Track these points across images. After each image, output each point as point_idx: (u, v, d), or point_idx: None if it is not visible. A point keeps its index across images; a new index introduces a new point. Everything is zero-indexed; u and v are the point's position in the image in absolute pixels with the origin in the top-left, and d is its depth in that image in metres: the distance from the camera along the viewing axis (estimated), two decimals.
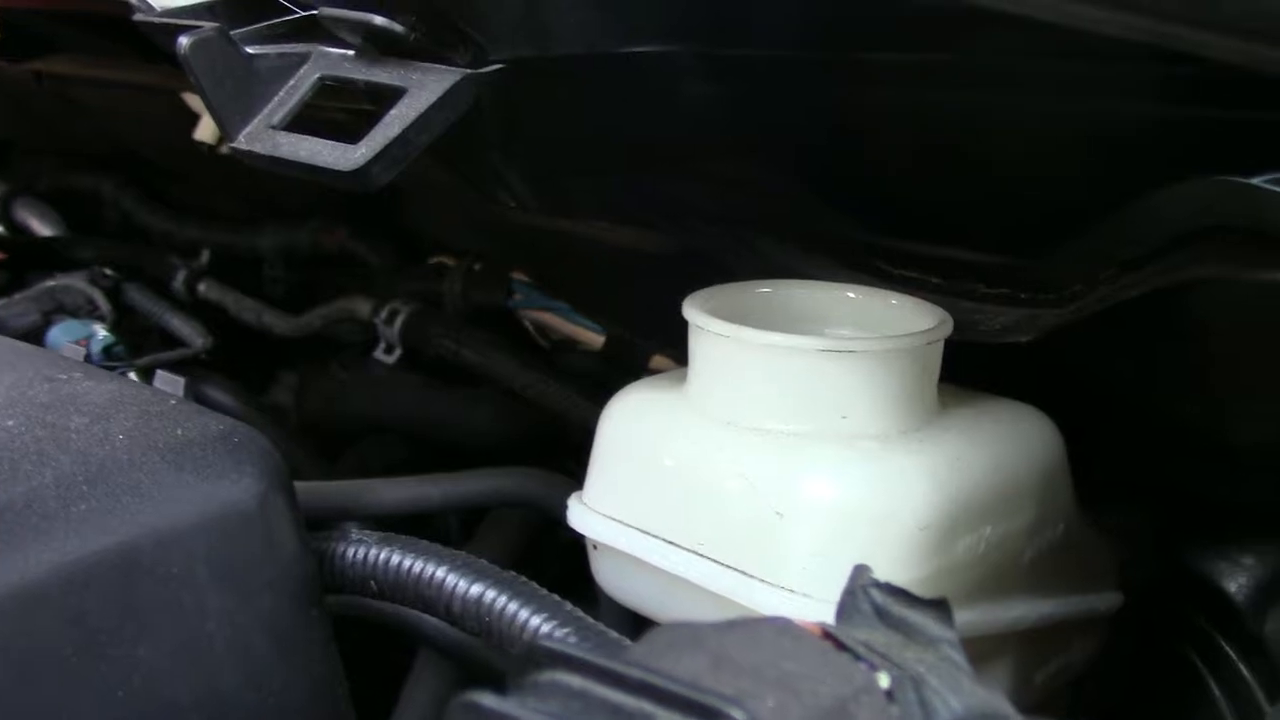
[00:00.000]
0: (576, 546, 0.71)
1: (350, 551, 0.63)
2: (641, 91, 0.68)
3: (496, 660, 0.72)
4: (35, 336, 1.09)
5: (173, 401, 0.63)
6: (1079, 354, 0.68)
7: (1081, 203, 0.62)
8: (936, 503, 0.59)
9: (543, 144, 0.70)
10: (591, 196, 0.78)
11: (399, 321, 1.16)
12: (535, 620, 0.57)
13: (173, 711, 0.55)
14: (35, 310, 1.11)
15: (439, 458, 1.06)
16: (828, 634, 0.38)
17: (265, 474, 0.59)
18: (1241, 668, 0.77)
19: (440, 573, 0.60)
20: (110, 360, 1.05)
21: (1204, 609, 0.78)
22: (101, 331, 1.07)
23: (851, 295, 0.70)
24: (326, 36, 0.65)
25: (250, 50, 0.64)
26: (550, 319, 1.14)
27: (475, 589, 0.59)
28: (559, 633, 0.56)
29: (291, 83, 0.64)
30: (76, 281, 1.16)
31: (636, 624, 0.70)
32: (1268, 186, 0.49)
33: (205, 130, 1.14)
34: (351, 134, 0.61)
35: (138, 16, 0.73)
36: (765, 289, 0.71)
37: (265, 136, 0.62)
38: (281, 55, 0.64)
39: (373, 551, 0.63)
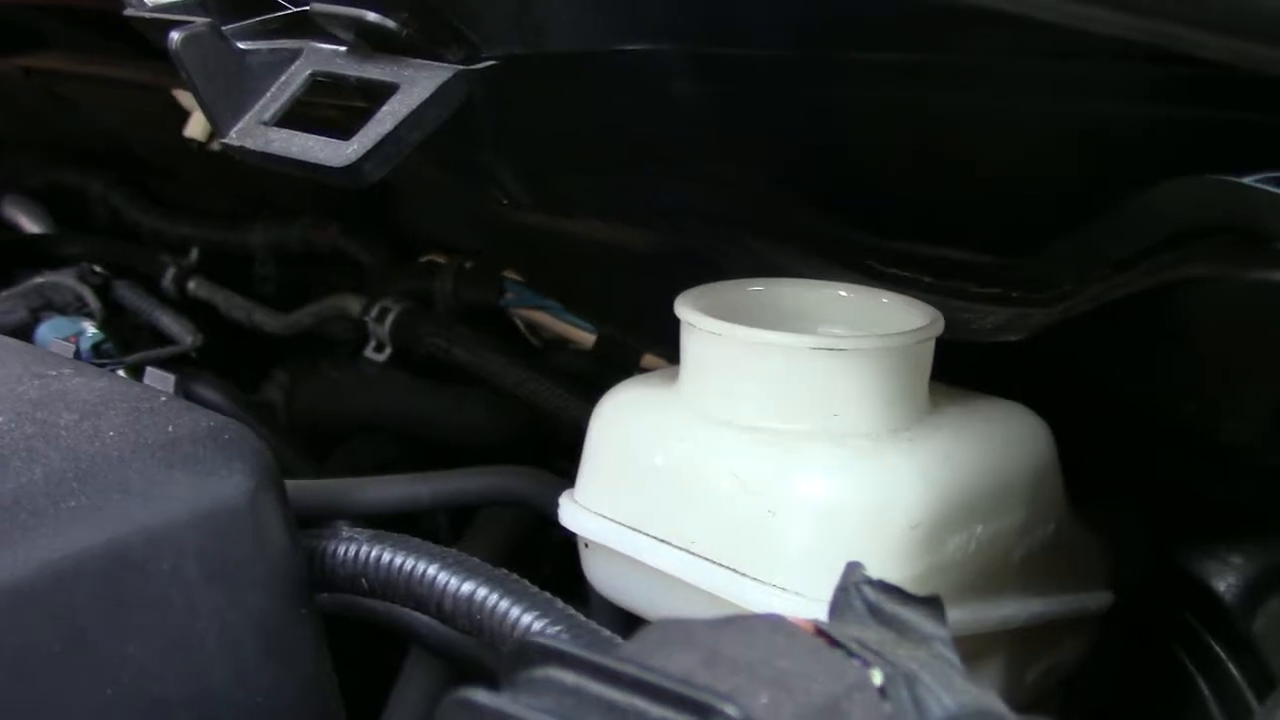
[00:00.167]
0: (568, 545, 0.71)
1: (341, 549, 0.63)
2: (633, 90, 0.68)
3: (488, 658, 0.72)
4: (24, 334, 1.08)
5: (163, 398, 0.63)
6: (1070, 353, 0.69)
7: (1073, 202, 0.63)
8: (928, 501, 0.59)
9: (535, 141, 0.70)
10: (584, 194, 0.78)
11: (390, 320, 1.15)
12: (527, 618, 0.57)
13: (162, 709, 0.55)
14: (23, 307, 1.11)
15: (430, 456, 1.06)
16: (820, 631, 0.38)
17: (255, 471, 0.59)
18: (1230, 666, 0.77)
19: (431, 570, 0.60)
20: (99, 358, 1.05)
21: (1193, 608, 0.78)
22: (90, 329, 1.07)
23: (843, 294, 0.70)
24: (318, 32, 0.65)
25: (242, 46, 0.63)
26: (542, 317, 1.14)
27: (467, 587, 0.59)
28: (551, 630, 0.56)
29: (283, 79, 0.64)
30: (65, 279, 1.15)
31: (628, 622, 0.70)
32: (1259, 186, 0.49)
33: (196, 127, 1.13)
34: (343, 131, 0.61)
35: (128, 11, 0.73)
36: (757, 287, 0.71)
37: (257, 132, 0.62)
38: (273, 51, 0.64)
39: (363, 549, 0.62)
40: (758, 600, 0.59)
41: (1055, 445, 0.67)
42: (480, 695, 0.33)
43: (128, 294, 1.20)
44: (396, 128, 0.58)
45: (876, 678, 0.36)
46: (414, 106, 0.58)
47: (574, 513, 0.68)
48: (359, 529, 0.65)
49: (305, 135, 0.61)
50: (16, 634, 0.51)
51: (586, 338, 1.11)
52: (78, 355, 1.03)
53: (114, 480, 0.55)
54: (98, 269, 1.20)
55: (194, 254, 1.36)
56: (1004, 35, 0.58)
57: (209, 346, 1.19)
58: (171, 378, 0.87)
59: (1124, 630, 0.76)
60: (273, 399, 1.31)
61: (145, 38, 0.74)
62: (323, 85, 0.66)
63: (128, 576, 0.54)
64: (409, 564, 0.61)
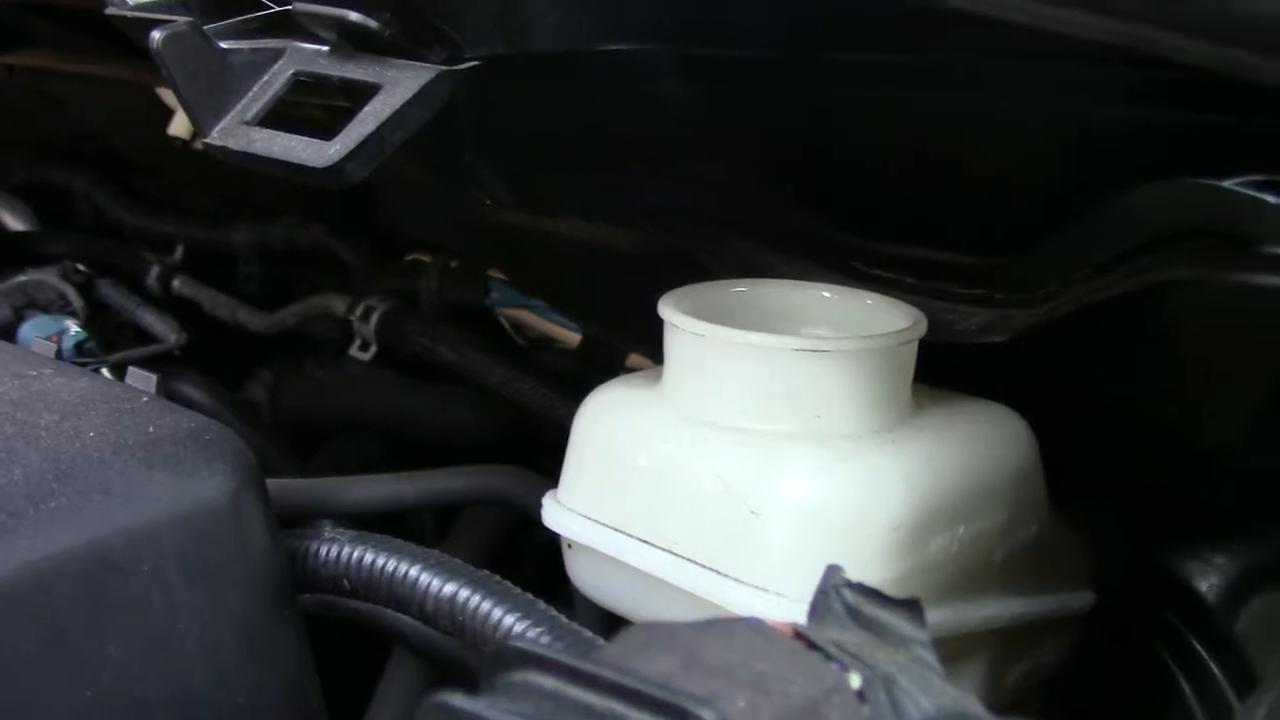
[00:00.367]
0: (552, 545, 0.71)
1: (323, 550, 0.63)
2: (618, 90, 0.68)
3: (471, 659, 0.72)
4: (6, 332, 1.08)
5: (144, 399, 0.63)
6: (1053, 355, 0.69)
7: (1055, 204, 0.63)
8: (910, 502, 0.59)
9: (519, 141, 0.70)
10: (568, 195, 0.78)
11: (375, 319, 1.15)
12: (509, 619, 0.57)
13: (142, 711, 0.55)
14: (6, 306, 1.11)
15: (415, 455, 1.06)
16: (799, 634, 0.38)
17: (237, 471, 0.59)
18: (1212, 666, 0.77)
19: (414, 571, 0.60)
20: (82, 356, 1.04)
21: (1175, 608, 0.78)
22: (73, 327, 1.07)
23: (827, 295, 0.70)
24: (301, 32, 0.65)
25: (224, 45, 0.63)
26: (527, 317, 1.14)
27: (449, 588, 0.59)
28: (532, 632, 0.56)
29: (265, 78, 0.64)
30: (48, 277, 1.15)
31: (611, 623, 0.70)
32: (1239, 190, 0.49)
33: (179, 125, 1.13)
34: (326, 130, 0.61)
35: (110, 10, 0.72)
36: (741, 288, 0.71)
37: (239, 132, 0.62)
38: (255, 50, 0.64)
39: (345, 550, 0.62)
40: (740, 601, 0.59)
41: (1038, 446, 0.67)
42: (458, 699, 0.32)
43: (111, 292, 1.20)
44: (379, 128, 0.58)
45: (855, 681, 0.36)
46: (397, 107, 0.58)
47: (557, 513, 0.68)
48: (341, 530, 0.65)
49: (287, 135, 0.61)
50: None
51: (572, 337, 1.11)
52: (60, 354, 1.02)
53: (94, 481, 0.55)
54: (81, 267, 1.20)
55: (178, 252, 1.36)
56: (986, 38, 0.58)
57: (193, 345, 1.19)
58: (154, 377, 0.87)
59: (1106, 630, 0.76)
60: (257, 398, 1.30)
61: (127, 36, 0.74)
62: (305, 85, 0.65)
63: (108, 577, 0.54)
64: (391, 565, 0.61)
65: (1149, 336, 0.63)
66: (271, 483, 0.62)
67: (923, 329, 0.64)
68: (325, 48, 0.64)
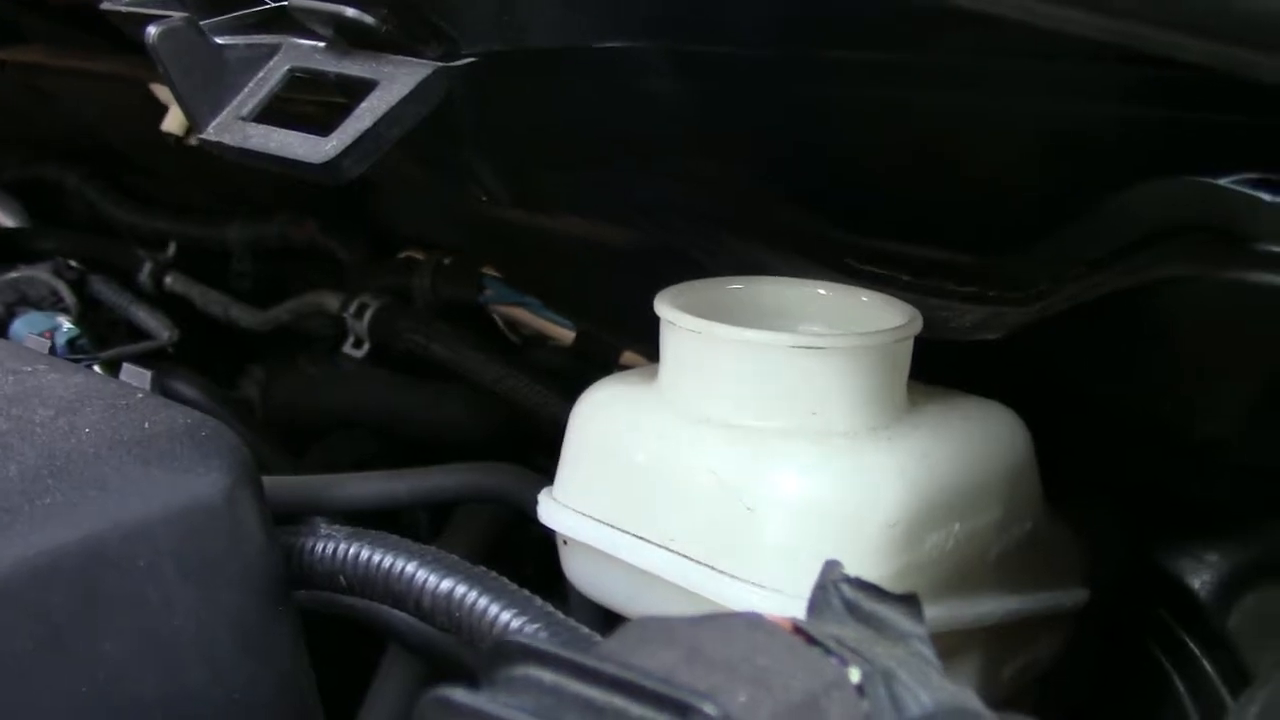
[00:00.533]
0: (548, 543, 0.71)
1: (319, 546, 0.63)
2: (613, 87, 0.68)
3: (467, 657, 0.72)
4: None
5: (139, 395, 0.62)
6: (1047, 352, 0.69)
7: (1050, 202, 0.63)
8: (905, 499, 0.60)
9: (515, 138, 0.70)
10: (564, 191, 0.78)
11: (368, 316, 1.15)
12: (505, 615, 0.57)
13: (137, 708, 0.55)
14: None
15: (408, 453, 1.06)
16: (798, 629, 0.38)
17: (232, 468, 0.59)
18: (1205, 663, 0.77)
19: (410, 568, 0.60)
20: (75, 353, 1.04)
21: (1168, 605, 0.78)
22: (66, 324, 1.06)
23: (822, 292, 0.70)
24: (297, 28, 0.65)
25: (219, 41, 0.63)
26: (521, 314, 1.13)
27: (445, 584, 0.59)
28: (529, 628, 0.56)
29: (261, 74, 0.64)
30: (40, 273, 1.15)
31: (607, 620, 0.70)
32: (1235, 187, 0.49)
33: (173, 121, 1.12)
34: (322, 127, 0.61)
35: (105, 5, 0.72)
36: (736, 285, 0.71)
37: (234, 128, 0.62)
38: (251, 46, 0.64)
39: (341, 546, 0.62)
40: (736, 597, 0.59)
41: (1032, 443, 0.67)
42: (458, 694, 0.32)
43: (103, 289, 1.20)
44: (375, 124, 0.57)
45: (854, 675, 0.36)
46: (393, 103, 0.58)
47: (553, 510, 0.67)
48: (337, 526, 0.65)
49: (283, 131, 0.60)
50: None
51: (566, 334, 1.11)
52: (53, 350, 1.02)
53: (90, 477, 0.55)
54: (73, 263, 1.20)
55: (171, 249, 1.35)
56: (982, 36, 0.59)
57: (185, 342, 1.18)
58: (148, 374, 0.87)
59: (1100, 627, 0.76)
60: (249, 395, 1.30)
61: (121, 31, 0.73)
62: (301, 81, 0.65)
63: (103, 574, 0.53)
64: (387, 561, 0.61)
65: (1144, 333, 0.64)
66: (265, 480, 0.62)
67: (918, 326, 0.64)
68: (321, 44, 0.64)
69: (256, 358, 1.31)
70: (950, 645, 0.63)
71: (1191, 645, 0.78)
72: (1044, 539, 0.69)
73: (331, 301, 1.19)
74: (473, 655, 0.70)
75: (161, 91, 1.12)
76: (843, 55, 0.64)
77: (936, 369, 0.67)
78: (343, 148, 0.57)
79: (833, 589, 0.41)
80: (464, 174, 0.70)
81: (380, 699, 0.82)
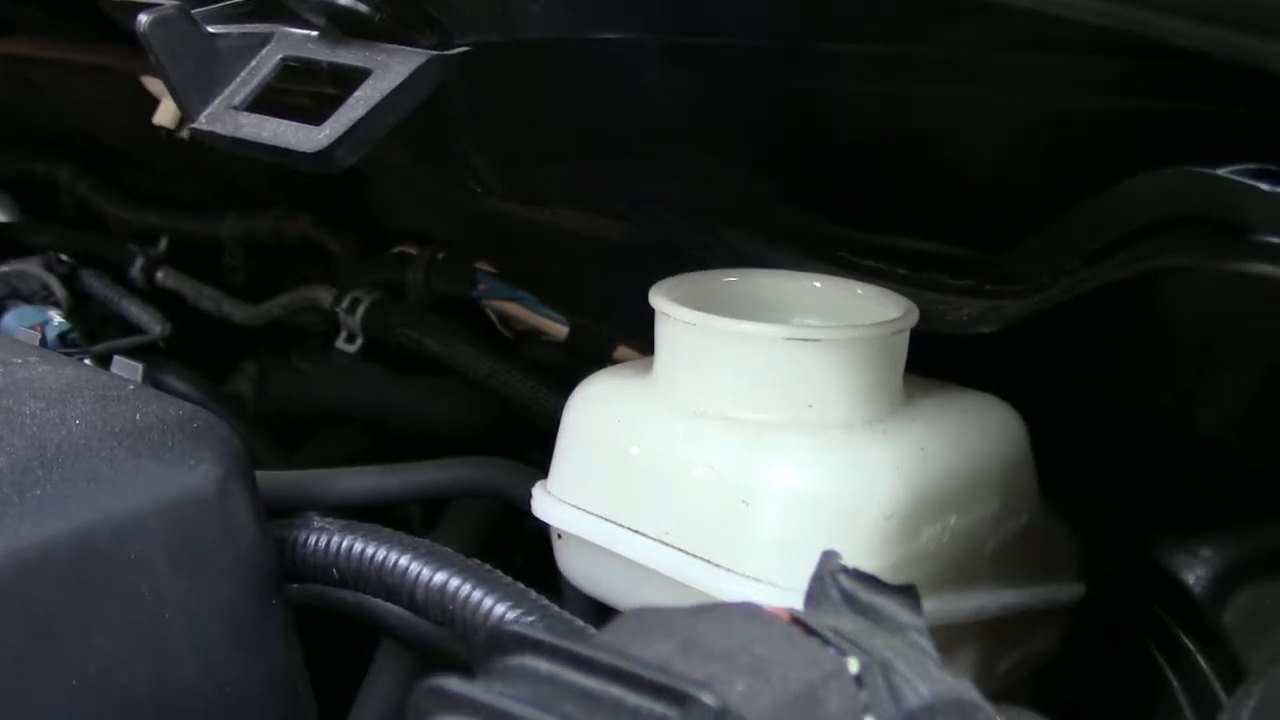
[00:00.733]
0: (541, 537, 0.71)
1: (312, 539, 0.62)
2: (607, 80, 0.68)
3: (459, 650, 0.72)
4: None
5: (130, 387, 0.62)
6: (1044, 345, 0.69)
7: (1047, 195, 0.63)
8: (901, 492, 0.59)
9: (509, 129, 0.69)
10: (559, 184, 0.78)
11: (361, 310, 1.15)
12: (500, 608, 0.57)
13: (128, 701, 0.54)
14: None
15: (401, 448, 1.05)
16: (796, 619, 0.37)
17: (224, 460, 0.59)
18: (1199, 659, 0.77)
19: (404, 560, 0.60)
20: (65, 347, 1.03)
21: (1163, 600, 0.78)
22: (57, 318, 1.06)
23: (818, 285, 0.70)
24: (289, 17, 0.64)
25: (211, 30, 0.63)
26: (514, 309, 1.13)
27: (439, 577, 0.58)
28: (524, 620, 0.56)
29: (253, 63, 0.63)
30: (31, 267, 1.14)
31: (601, 614, 0.70)
32: (1233, 177, 0.49)
33: (165, 114, 1.12)
34: (314, 118, 0.60)
35: None
36: (732, 278, 0.70)
37: (227, 117, 0.61)
38: (243, 35, 0.64)
39: (335, 539, 0.62)
40: (731, 590, 0.58)
41: (1028, 437, 0.67)
42: (453, 683, 0.32)
43: (95, 283, 1.19)
44: (370, 112, 0.57)
45: (853, 666, 0.36)
46: (387, 92, 0.58)
47: (547, 503, 0.67)
48: (330, 519, 0.65)
49: (276, 120, 0.60)
50: None
51: (559, 329, 1.11)
52: (44, 344, 1.01)
53: (81, 468, 0.54)
54: (64, 258, 1.19)
55: (162, 244, 1.35)
56: (979, 26, 0.58)
57: (177, 338, 1.18)
58: (139, 366, 0.86)
59: (1095, 622, 0.76)
60: (242, 391, 1.30)
61: (113, 22, 0.73)
62: (294, 71, 0.65)
63: (94, 565, 0.53)
64: (381, 554, 0.60)
65: (1141, 325, 0.63)
66: (257, 474, 0.61)
67: (914, 319, 0.64)
68: (314, 33, 0.64)
69: (249, 353, 1.31)
70: (946, 639, 0.62)
71: (1186, 641, 0.78)
72: (1040, 533, 0.69)
73: (324, 296, 1.19)
74: (465, 649, 0.70)
75: (153, 84, 1.12)
76: (838, 48, 0.64)
77: (933, 362, 0.67)
78: (336, 136, 0.57)
79: (830, 580, 0.41)
80: (459, 166, 0.69)
81: (372, 693, 0.81)
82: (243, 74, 0.63)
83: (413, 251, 1.19)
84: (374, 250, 1.24)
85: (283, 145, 0.58)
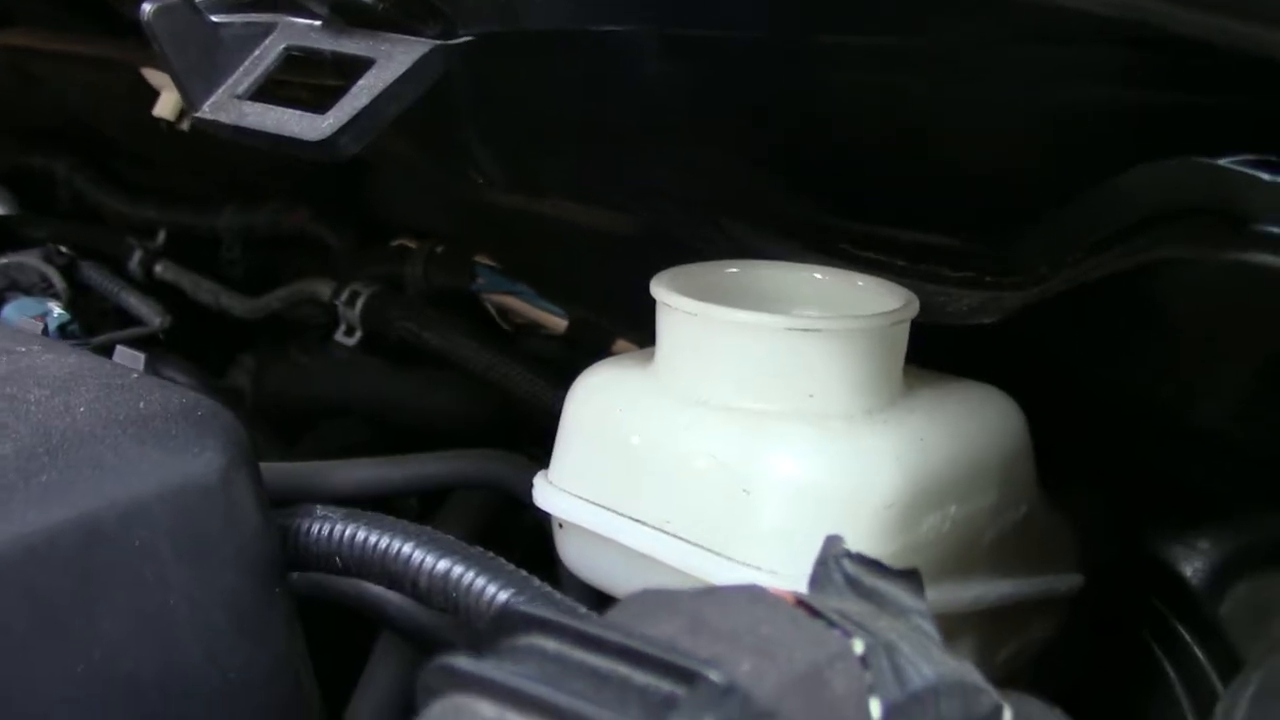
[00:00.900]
0: (540, 529, 0.71)
1: (315, 527, 0.62)
2: (608, 71, 0.68)
3: (458, 640, 0.72)
4: None
5: (134, 375, 0.62)
6: (1044, 336, 0.69)
7: (1047, 187, 0.63)
8: (901, 482, 0.60)
9: (512, 120, 0.70)
10: (560, 176, 0.78)
11: (360, 303, 1.15)
12: (503, 595, 0.57)
13: (132, 687, 0.54)
14: None
15: (400, 441, 1.05)
16: (801, 601, 0.38)
17: (228, 448, 0.59)
18: (1196, 651, 0.77)
19: (407, 548, 0.60)
20: (65, 339, 1.03)
21: (1161, 592, 0.78)
22: (57, 310, 1.06)
23: (818, 276, 0.70)
24: (292, 6, 0.65)
25: (215, 19, 0.63)
26: (513, 302, 1.13)
27: (442, 564, 0.59)
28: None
29: (257, 53, 0.63)
30: (30, 259, 1.14)
31: (600, 604, 0.70)
32: (1235, 167, 0.49)
33: (165, 106, 1.12)
34: (316, 109, 0.60)
35: None
36: (733, 269, 0.71)
37: (230, 106, 0.61)
38: (247, 24, 0.64)
39: (338, 527, 0.62)
40: (732, 579, 0.59)
41: (1028, 428, 0.67)
42: (462, 662, 0.32)
43: (94, 275, 1.19)
44: (373, 101, 0.57)
45: (858, 647, 0.36)
46: (390, 81, 0.58)
47: (548, 493, 0.67)
48: (333, 508, 0.65)
49: (280, 109, 0.60)
50: None
51: (558, 323, 1.11)
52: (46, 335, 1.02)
53: (86, 456, 0.54)
54: (64, 249, 1.19)
55: (160, 237, 1.35)
56: (980, 18, 0.59)
57: (176, 331, 1.18)
58: (142, 356, 0.86)
59: (1092, 613, 0.76)
60: (239, 384, 1.30)
61: (113, 13, 0.73)
62: (297, 61, 0.65)
63: (99, 552, 0.53)
64: (384, 542, 0.60)
65: (1142, 316, 0.64)
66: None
67: (914, 310, 0.64)
68: (317, 22, 0.64)
69: (248, 346, 1.31)
70: (945, 628, 0.62)
71: (1183, 632, 0.78)
72: (1038, 524, 0.69)
73: (323, 289, 1.19)
74: (464, 638, 0.70)
75: (153, 76, 1.12)
76: (838, 39, 0.64)
77: (933, 353, 0.67)
78: (340, 125, 0.57)
79: (834, 564, 0.41)
80: (461, 157, 0.70)
81: (371, 684, 0.82)
82: (246, 63, 0.63)
83: (411, 245, 1.19)
84: (372, 243, 1.24)
85: (287, 134, 0.58)
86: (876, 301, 0.66)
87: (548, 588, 0.59)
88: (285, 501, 0.69)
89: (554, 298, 1.08)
